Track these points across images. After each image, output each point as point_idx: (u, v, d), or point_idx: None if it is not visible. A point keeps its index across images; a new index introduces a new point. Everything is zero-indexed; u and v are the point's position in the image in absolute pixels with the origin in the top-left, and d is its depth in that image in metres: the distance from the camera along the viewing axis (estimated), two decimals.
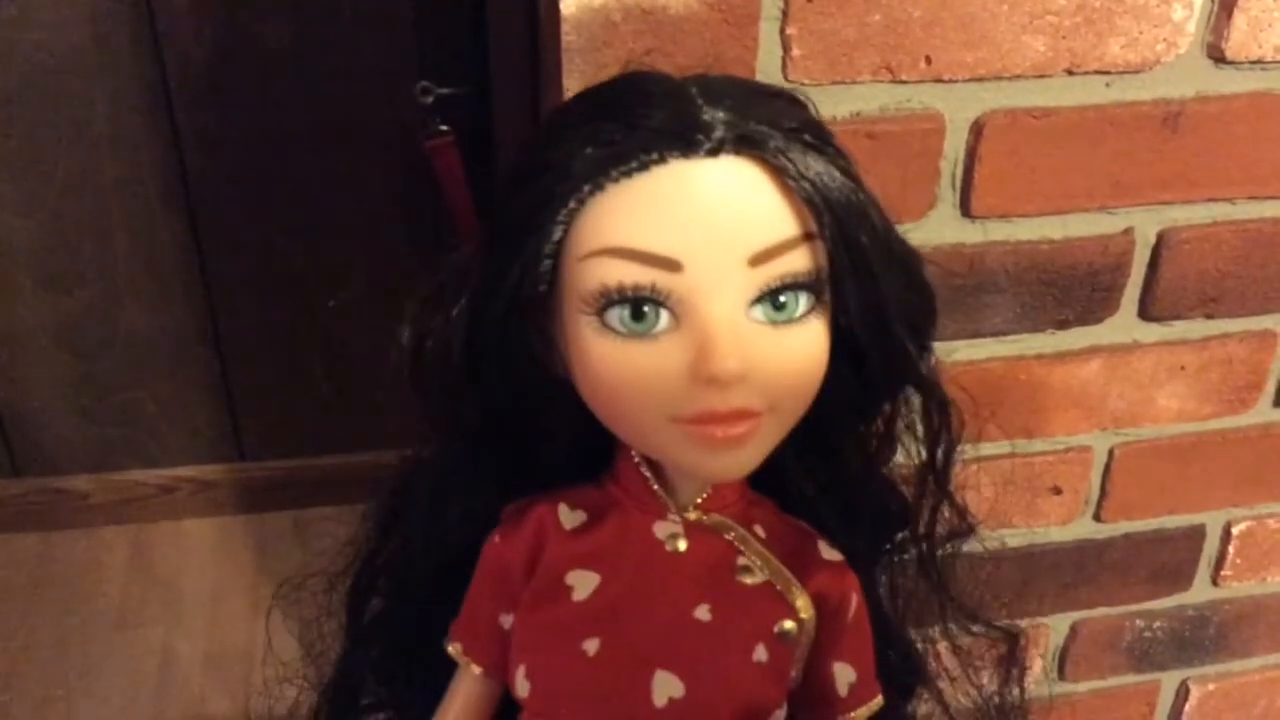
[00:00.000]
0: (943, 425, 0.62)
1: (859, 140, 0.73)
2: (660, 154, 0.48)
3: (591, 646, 0.56)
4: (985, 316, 0.82)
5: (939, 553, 0.67)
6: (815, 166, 0.50)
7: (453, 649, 0.63)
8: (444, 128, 1.22)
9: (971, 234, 0.78)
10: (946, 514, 0.67)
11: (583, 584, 0.58)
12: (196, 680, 1.41)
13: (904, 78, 0.72)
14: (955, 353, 0.82)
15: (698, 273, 0.49)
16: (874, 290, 0.51)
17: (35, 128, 1.36)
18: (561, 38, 0.67)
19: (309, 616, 0.73)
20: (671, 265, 0.49)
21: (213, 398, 1.58)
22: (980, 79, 0.73)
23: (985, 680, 0.75)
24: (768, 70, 0.70)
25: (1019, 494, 0.90)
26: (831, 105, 0.72)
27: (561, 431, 0.59)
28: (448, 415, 0.61)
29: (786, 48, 0.70)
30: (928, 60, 0.72)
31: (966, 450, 0.85)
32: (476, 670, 0.63)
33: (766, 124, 0.50)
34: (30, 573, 1.57)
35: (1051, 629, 0.99)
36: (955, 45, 0.72)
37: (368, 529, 0.68)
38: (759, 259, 0.49)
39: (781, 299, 0.50)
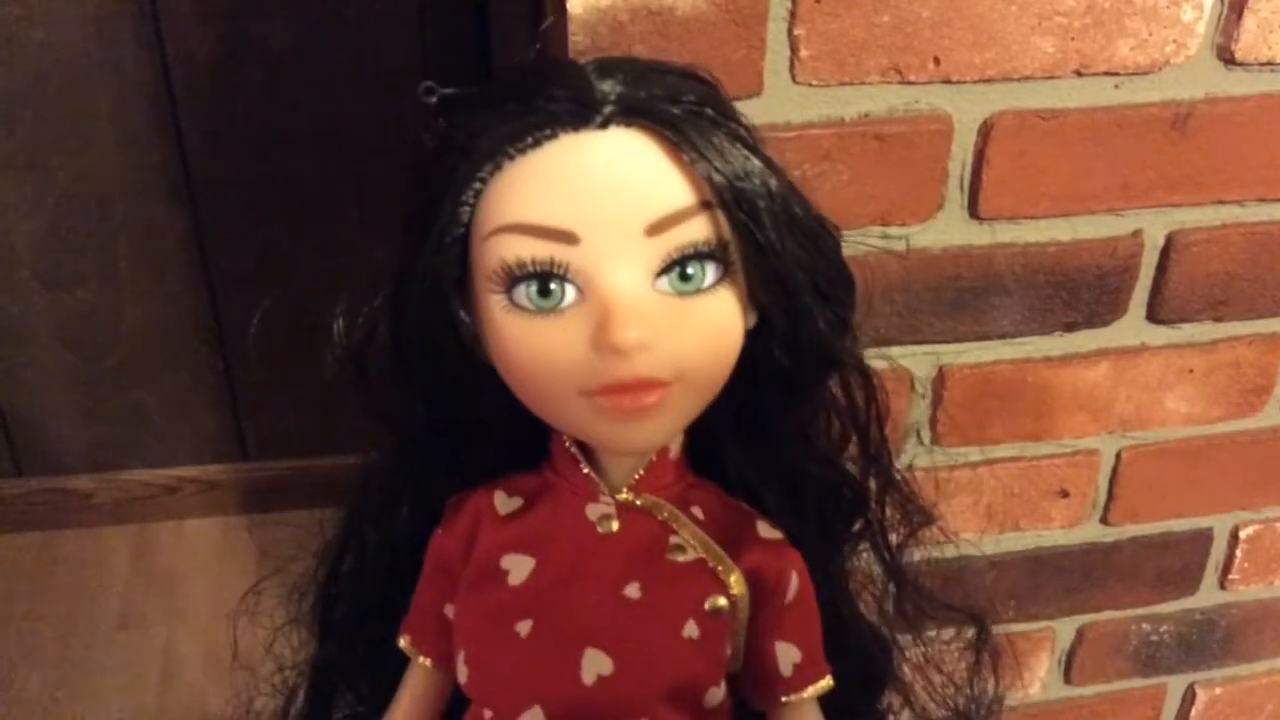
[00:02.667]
0: (868, 400, 0.62)
1: (867, 142, 0.73)
2: (553, 129, 0.50)
3: (524, 628, 0.57)
4: (993, 318, 0.81)
5: (893, 538, 0.67)
6: (708, 136, 0.50)
7: (403, 642, 0.64)
8: None
9: (979, 236, 0.78)
10: (898, 499, 0.66)
11: (518, 568, 0.58)
12: (198, 680, 1.41)
13: (912, 79, 0.72)
14: (963, 355, 0.82)
15: (595, 244, 0.50)
16: (776, 259, 0.52)
17: (38, 127, 1.36)
18: (568, 38, 0.67)
19: (278, 624, 0.73)
20: (568, 238, 0.50)
21: (215, 398, 1.58)
22: (989, 80, 0.73)
23: (959, 677, 0.75)
24: (776, 71, 0.70)
25: (1026, 497, 0.90)
26: (839, 106, 0.72)
27: (498, 420, 0.59)
28: (385, 409, 0.61)
29: (794, 48, 0.69)
30: (936, 61, 0.72)
31: (973, 453, 0.86)
32: (426, 662, 0.64)
33: (659, 96, 0.51)
34: (33, 572, 1.57)
35: (1058, 633, 0.98)
36: (964, 46, 0.71)
37: (330, 533, 0.68)
38: (656, 228, 0.50)
39: (688, 270, 0.51)
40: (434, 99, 1.28)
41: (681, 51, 0.68)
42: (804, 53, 0.70)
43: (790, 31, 0.69)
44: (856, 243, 0.76)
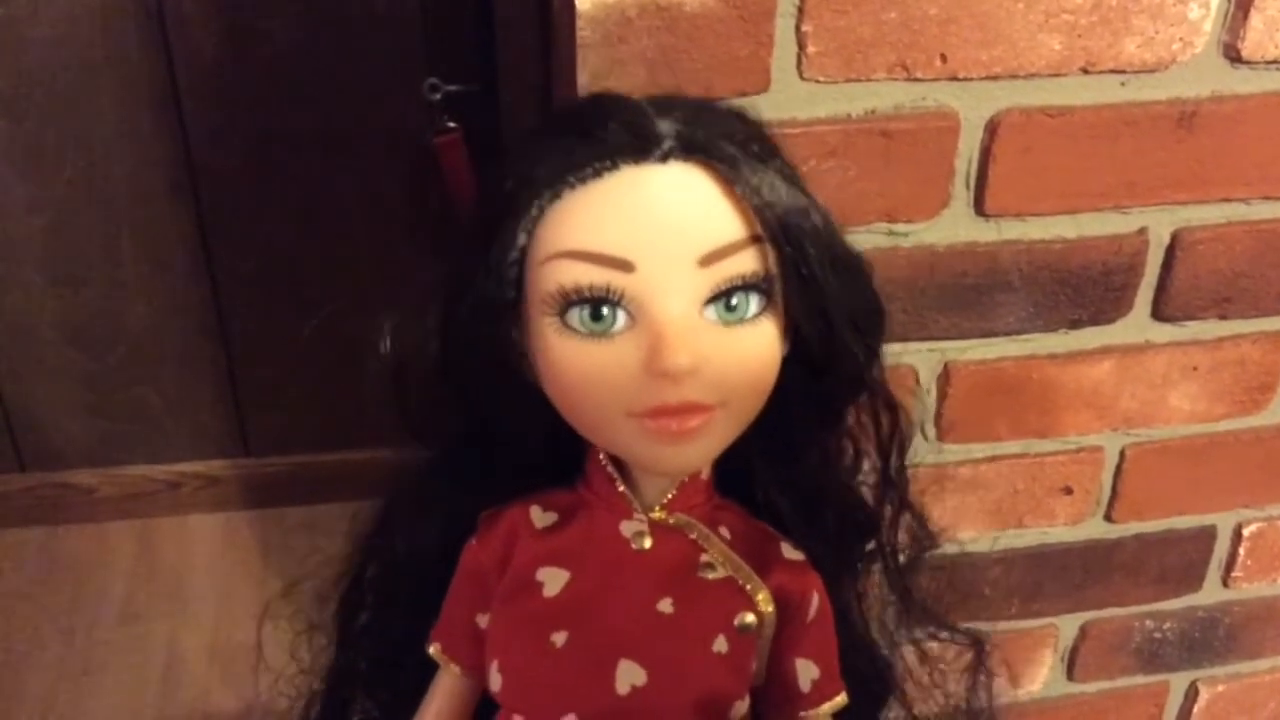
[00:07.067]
0: (892, 429, 0.64)
1: (874, 139, 0.73)
2: (613, 161, 0.52)
3: (559, 639, 0.59)
4: (998, 315, 0.81)
5: (902, 560, 0.69)
6: (760, 173, 0.53)
7: (433, 649, 0.65)
8: (451, 124, 1.22)
9: (985, 233, 0.78)
10: (909, 521, 0.69)
11: (553, 580, 0.60)
12: (201, 675, 1.41)
13: (919, 76, 0.72)
14: (968, 351, 0.82)
15: (650, 273, 0.51)
16: (818, 292, 0.54)
17: (44, 124, 1.36)
18: (576, 34, 0.67)
19: (300, 629, 0.74)
20: (624, 265, 0.51)
21: (219, 394, 1.59)
22: (995, 77, 0.73)
23: (954, 687, 0.77)
24: (783, 67, 0.70)
25: (1030, 494, 0.90)
26: (846, 103, 0.72)
27: (536, 437, 0.61)
28: (427, 423, 0.63)
29: (802, 45, 0.70)
30: (943, 58, 0.72)
31: (978, 450, 0.86)
32: (455, 670, 0.65)
33: (715, 134, 0.53)
34: (36, 567, 1.57)
35: (1061, 629, 0.99)
36: (971, 43, 0.72)
37: (356, 542, 0.70)
38: (708, 259, 0.52)
39: (733, 300, 0.53)
40: (438, 96, 1.29)
41: (689, 47, 0.68)
42: (811, 49, 0.70)
43: (798, 28, 0.69)
44: (862, 239, 0.76)
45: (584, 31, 0.67)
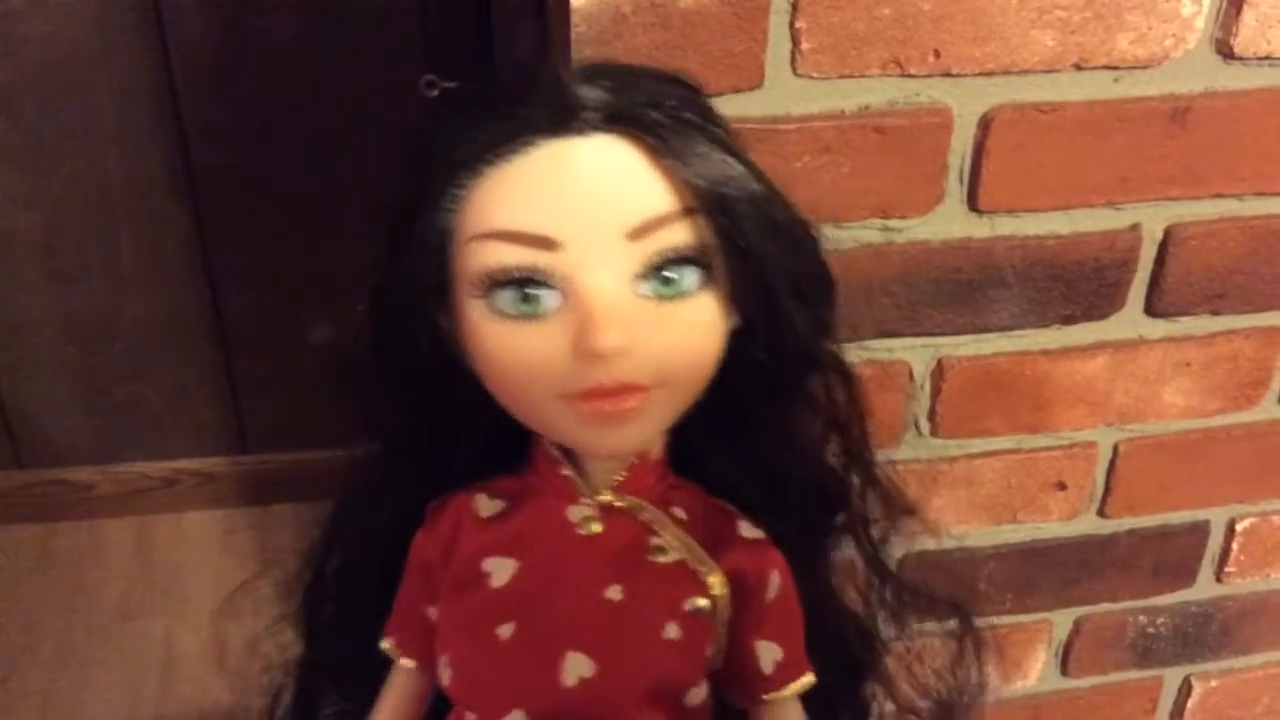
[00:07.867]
0: (849, 400, 0.62)
1: (867, 134, 0.73)
2: (531, 136, 0.50)
3: (505, 631, 0.57)
4: (992, 311, 0.82)
5: (874, 530, 0.68)
6: (691, 142, 0.51)
7: (386, 645, 0.64)
8: None
9: (979, 228, 0.78)
10: (881, 493, 0.67)
11: (500, 570, 0.58)
12: (197, 673, 1.41)
13: (912, 72, 0.72)
14: (961, 347, 0.82)
15: (577, 250, 0.50)
16: (757, 263, 0.52)
17: (41, 120, 1.36)
18: (571, 30, 0.67)
19: (265, 624, 0.73)
20: (549, 244, 0.50)
21: (216, 390, 1.59)
22: (989, 74, 0.73)
23: (939, 663, 0.76)
24: (777, 63, 0.70)
25: (1023, 489, 0.90)
26: (840, 99, 0.72)
27: (481, 422, 0.59)
28: (369, 412, 0.62)
29: (796, 41, 0.70)
30: (936, 54, 0.72)
31: (971, 445, 0.87)
32: (409, 664, 0.63)
33: (642, 103, 0.51)
34: (33, 564, 1.57)
35: (1055, 624, 0.99)
36: (964, 40, 0.72)
37: (317, 535, 0.68)
38: (638, 233, 0.50)
39: (669, 274, 0.51)
40: (435, 93, 1.29)
41: (683, 43, 0.68)
42: (805, 45, 0.70)
43: (792, 24, 0.69)
44: (856, 235, 0.76)
45: (579, 28, 0.67)
